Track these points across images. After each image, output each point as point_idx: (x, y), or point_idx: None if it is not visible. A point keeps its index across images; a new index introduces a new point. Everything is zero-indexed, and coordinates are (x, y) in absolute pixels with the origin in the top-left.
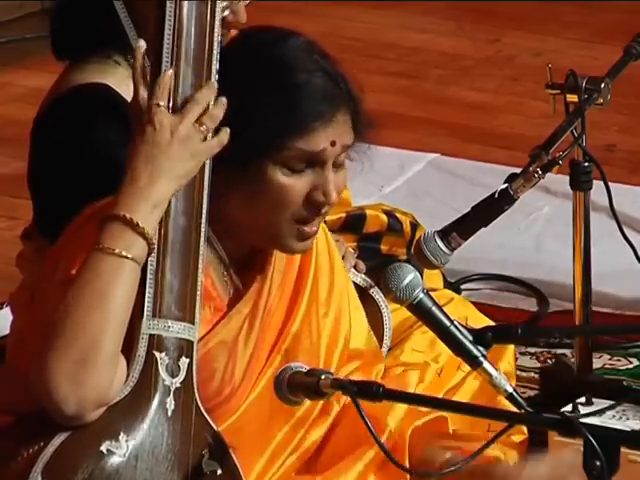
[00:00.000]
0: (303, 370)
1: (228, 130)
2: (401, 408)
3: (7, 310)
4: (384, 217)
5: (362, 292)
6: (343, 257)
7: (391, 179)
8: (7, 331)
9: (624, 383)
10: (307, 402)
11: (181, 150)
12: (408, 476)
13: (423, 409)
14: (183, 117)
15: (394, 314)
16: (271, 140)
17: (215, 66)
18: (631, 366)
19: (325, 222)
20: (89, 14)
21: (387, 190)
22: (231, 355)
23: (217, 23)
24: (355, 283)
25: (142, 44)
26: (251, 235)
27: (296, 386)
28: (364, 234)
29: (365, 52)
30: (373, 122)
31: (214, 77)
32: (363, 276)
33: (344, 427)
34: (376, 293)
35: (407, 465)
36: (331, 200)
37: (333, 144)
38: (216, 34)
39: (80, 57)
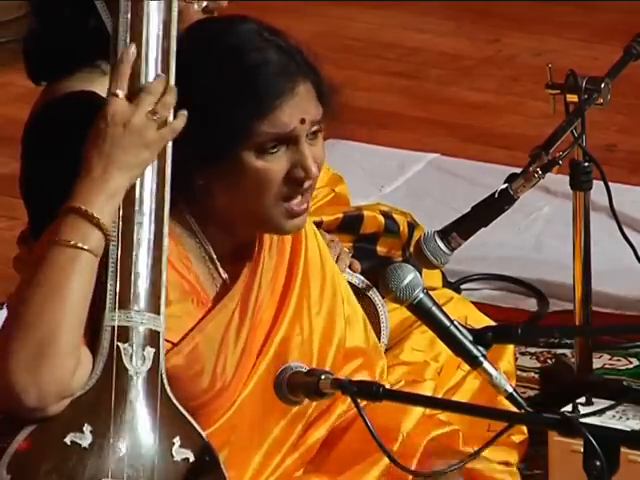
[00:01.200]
0: (303, 370)
1: (186, 113)
2: (415, 416)
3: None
4: (381, 218)
5: (359, 292)
6: (338, 257)
7: (391, 179)
8: None
9: (624, 383)
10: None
11: (135, 141)
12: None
13: (438, 416)
14: (137, 108)
15: (393, 314)
16: (238, 129)
17: (173, 59)
18: (631, 366)
19: (322, 223)
20: (70, 29)
21: (387, 190)
22: (222, 350)
23: (174, 16)
24: (351, 283)
25: (132, 50)
26: (243, 224)
27: (296, 386)
28: (361, 235)
29: (365, 52)
30: (336, 88)
31: (172, 69)
32: (360, 276)
33: (357, 429)
34: (373, 293)
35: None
36: (311, 174)
37: (302, 122)
38: (173, 27)
39: (64, 74)
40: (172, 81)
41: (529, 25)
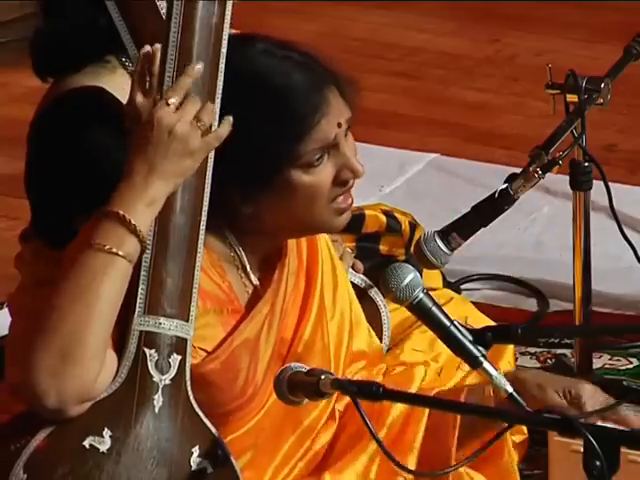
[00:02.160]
0: (303, 370)
1: (231, 120)
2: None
3: (7, 310)
4: (383, 217)
5: (360, 292)
6: (341, 257)
7: (391, 179)
8: (7, 331)
9: (624, 383)
10: (315, 413)
11: (179, 149)
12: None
13: None
14: (181, 115)
15: (394, 314)
16: (284, 155)
17: (222, 68)
18: (631, 366)
19: None
20: (78, 27)
21: (387, 190)
22: (253, 354)
23: (227, 24)
24: (353, 283)
25: (146, 49)
26: (291, 233)
27: (296, 386)
28: (363, 234)
29: (366, 52)
30: (353, 81)
31: (221, 78)
32: (362, 276)
33: (350, 426)
34: (375, 293)
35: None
36: (359, 174)
37: (339, 125)
38: (225, 35)
39: (72, 70)
40: (220, 85)
41: (529, 25)
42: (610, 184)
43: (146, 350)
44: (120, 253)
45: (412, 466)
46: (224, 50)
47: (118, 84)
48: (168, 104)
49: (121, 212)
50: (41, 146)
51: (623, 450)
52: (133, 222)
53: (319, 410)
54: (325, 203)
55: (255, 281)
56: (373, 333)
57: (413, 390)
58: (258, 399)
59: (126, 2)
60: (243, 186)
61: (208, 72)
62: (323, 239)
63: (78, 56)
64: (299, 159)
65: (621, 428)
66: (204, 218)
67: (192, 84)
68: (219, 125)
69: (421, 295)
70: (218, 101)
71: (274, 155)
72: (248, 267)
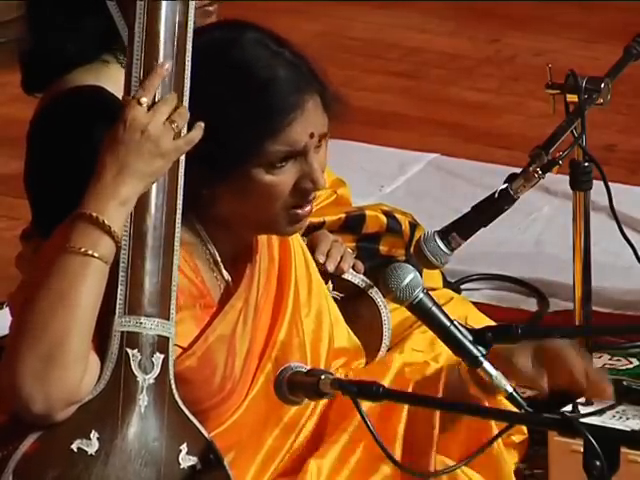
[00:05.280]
0: (303, 370)
1: (202, 125)
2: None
3: (7, 310)
4: (383, 218)
5: (361, 292)
6: (342, 257)
7: (391, 179)
8: (7, 331)
9: (624, 383)
10: (294, 410)
11: (150, 149)
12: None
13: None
14: (153, 116)
15: (394, 314)
16: (249, 149)
17: (188, 66)
18: (631, 366)
19: (324, 223)
20: (67, 35)
21: (387, 190)
22: (230, 350)
23: (190, 22)
24: (354, 284)
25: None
26: (246, 228)
27: (296, 386)
28: (363, 234)
29: (365, 52)
30: (341, 98)
31: (187, 77)
32: (362, 277)
33: (332, 416)
34: (375, 293)
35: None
36: (320, 186)
37: (312, 136)
38: (189, 33)
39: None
40: (187, 86)
41: (529, 25)
42: (610, 184)
43: (129, 350)
44: (95, 255)
45: (397, 454)
46: (189, 47)
47: (113, 78)
48: (140, 103)
49: (94, 213)
50: (41, 144)
51: (623, 450)
52: (107, 223)
53: (299, 407)
54: (281, 207)
55: (227, 276)
56: (350, 331)
57: (388, 379)
58: (236, 395)
59: (126, 1)
60: (204, 166)
61: (175, 71)
62: (296, 238)
63: (71, 64)
64: (262, 156)
65: (621, 428)
66: (179, 217)
67: (160, 84)
68: (190, 129)
69: (421, 295)
70: (186, 100)
71: (239, 146)
72: (219, 260)
